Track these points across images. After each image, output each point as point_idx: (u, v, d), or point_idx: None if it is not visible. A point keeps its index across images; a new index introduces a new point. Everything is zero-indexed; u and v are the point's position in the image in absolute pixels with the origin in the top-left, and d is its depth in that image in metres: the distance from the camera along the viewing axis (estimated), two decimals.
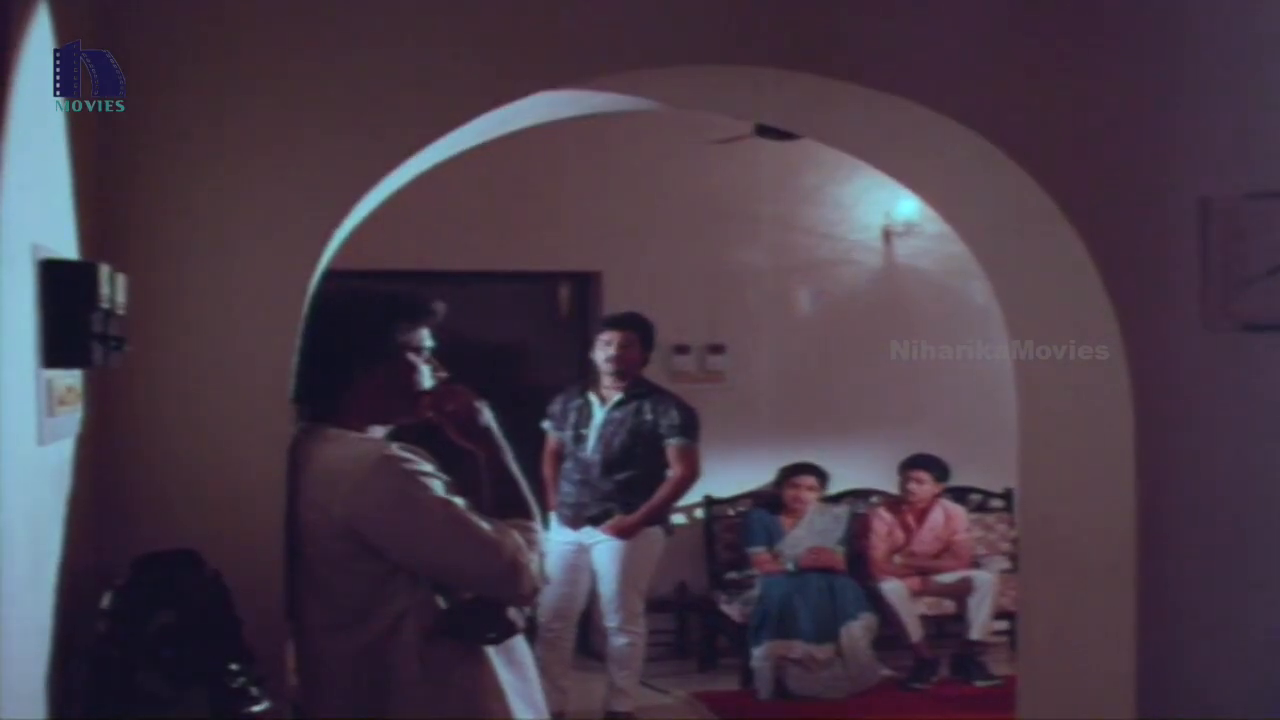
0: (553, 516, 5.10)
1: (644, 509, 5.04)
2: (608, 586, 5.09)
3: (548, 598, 4.94)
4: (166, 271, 2.27)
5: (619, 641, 5.13)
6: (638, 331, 5.16)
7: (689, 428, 5.12)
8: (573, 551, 5.09)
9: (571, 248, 6.43)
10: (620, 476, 5.05)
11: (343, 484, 2.10)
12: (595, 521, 5.05)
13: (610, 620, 5.12)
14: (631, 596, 5.11)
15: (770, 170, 6.51)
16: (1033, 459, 3.19)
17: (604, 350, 5.11)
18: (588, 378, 5.36)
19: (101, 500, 2.15)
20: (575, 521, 5.09)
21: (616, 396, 5.10)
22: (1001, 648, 6.11)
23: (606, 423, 5.08)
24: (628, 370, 5.11)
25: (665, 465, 5.14)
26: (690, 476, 5.17)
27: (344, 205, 2.39)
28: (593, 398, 5.17)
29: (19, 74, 1.65)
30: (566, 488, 5.14)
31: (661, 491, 5.10)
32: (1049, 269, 2.92)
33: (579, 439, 5.12)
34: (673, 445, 5.10)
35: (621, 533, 5.00)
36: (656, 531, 5.15)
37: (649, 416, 5.08)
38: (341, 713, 2.16)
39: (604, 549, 5.07)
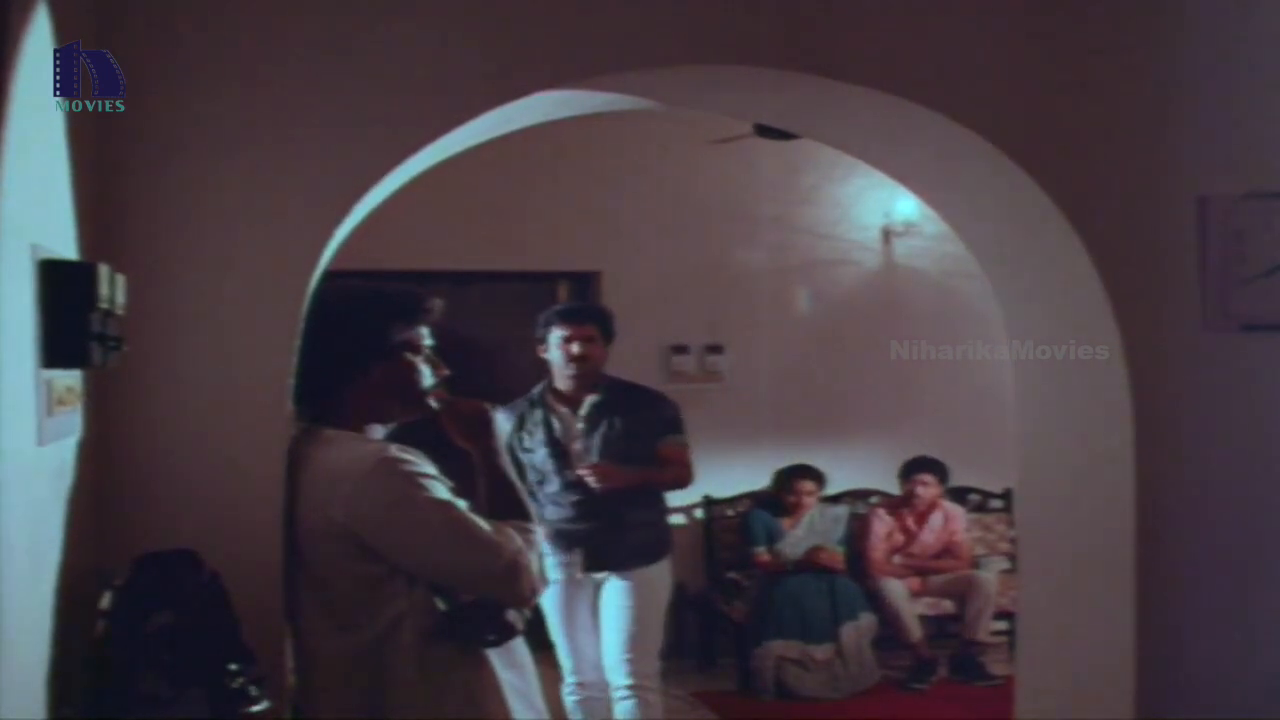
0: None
1: (640, 473, 4.26)
2: (618, 633, 4.18)
3: (573, 648, 4.27)
4: (166, 271, 2.27)
5: (630, 704, 4.15)
6: (598, 324, 4.36)
7: (680, 423, 4.38)
8: (581, 586, 4.29)
9: (571, 248, 6.43)
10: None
11: (342, 485, 2.10)
12: (619, 567, 4.23)
13: (619, 677, 4.17)
14: (650, 645, 4.23)
15: (769, 170, 6.52)
16: (1032, 459, 3.19)
17: (563, 349, 4.28)
18: (533, 386, 4.48)
19: (101, 500, 2.15)
20: (583, 554, 4.24)
21: (594, 398, 4.29)
22: (1000, 648, 6.10)
23: (595, 428, 4.27)
24: (594, 368, 4.31)
25: (658, 465, 4.35)
26: (690, 476, 4.42)
27: (344, 205, 2.39)
28: (561, 407, 4.34)
29: (19, 74, 1.65)
30: (556, 512, 4.24)
31: (665, 475, 4.34)
32: (1048, 269, 2.92)
33: (560, 454, 4.28)
34: (671, 442, 4.33)
35: (607, 478, 4.18)
36: (666, 564, 4.39)
37: (642, 413, 4.33)
38: (340, 713, 2.15)
39: (615, 587, 4.24)
